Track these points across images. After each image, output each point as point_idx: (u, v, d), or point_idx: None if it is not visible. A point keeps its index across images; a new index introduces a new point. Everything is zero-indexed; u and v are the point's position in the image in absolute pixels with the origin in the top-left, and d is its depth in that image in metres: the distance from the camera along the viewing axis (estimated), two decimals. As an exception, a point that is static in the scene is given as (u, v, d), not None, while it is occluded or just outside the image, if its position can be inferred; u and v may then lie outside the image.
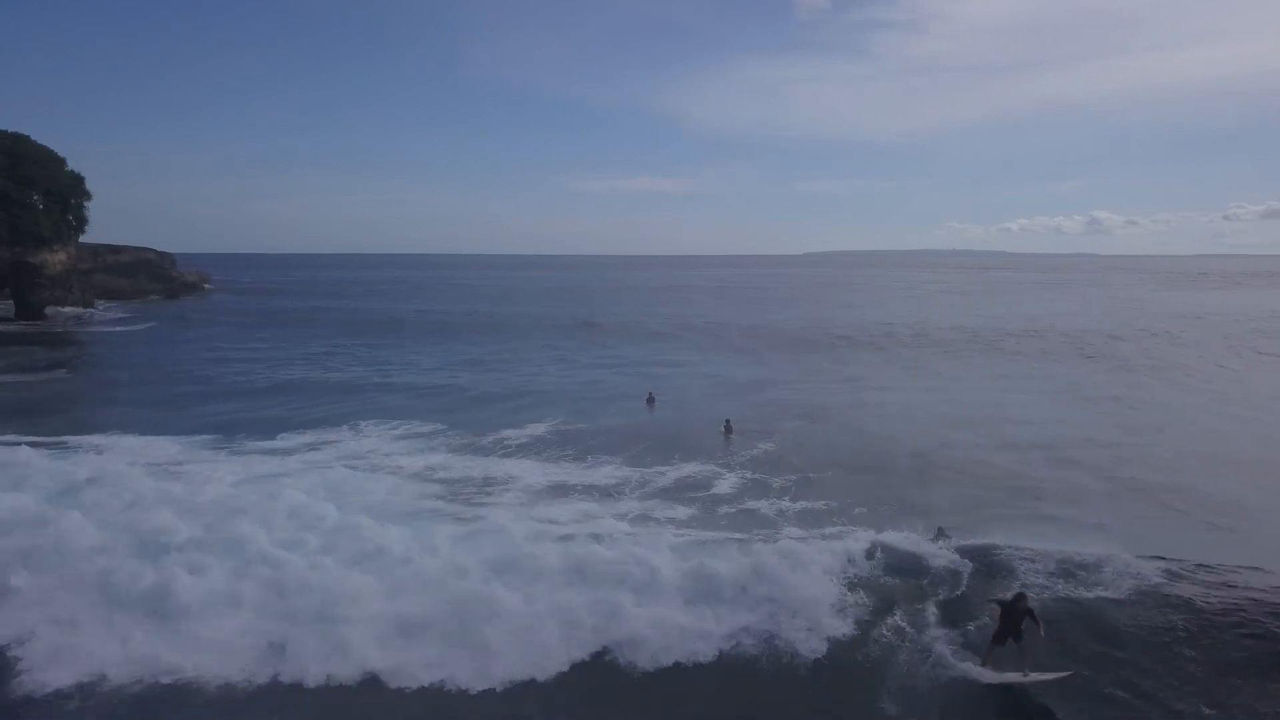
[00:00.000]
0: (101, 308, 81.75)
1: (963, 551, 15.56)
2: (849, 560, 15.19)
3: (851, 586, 14.50)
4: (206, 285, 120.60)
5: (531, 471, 22.90)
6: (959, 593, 14.45)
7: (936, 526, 17.55)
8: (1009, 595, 13.14)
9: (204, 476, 20.88)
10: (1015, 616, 12.57)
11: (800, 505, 19.84)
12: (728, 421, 28.66)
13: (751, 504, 20.04)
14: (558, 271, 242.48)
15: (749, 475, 22.48)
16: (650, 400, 34.73)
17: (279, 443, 26.06)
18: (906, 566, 15.21)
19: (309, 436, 26.85)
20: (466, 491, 20.68)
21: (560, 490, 21.09)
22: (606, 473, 22.82)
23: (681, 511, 19.42)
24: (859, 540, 15.87)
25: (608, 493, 21.01)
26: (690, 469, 23.02)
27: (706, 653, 13.08)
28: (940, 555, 15.46)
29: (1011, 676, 12.46)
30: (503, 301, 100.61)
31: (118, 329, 64.91)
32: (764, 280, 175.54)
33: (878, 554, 15.44)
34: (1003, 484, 22.42)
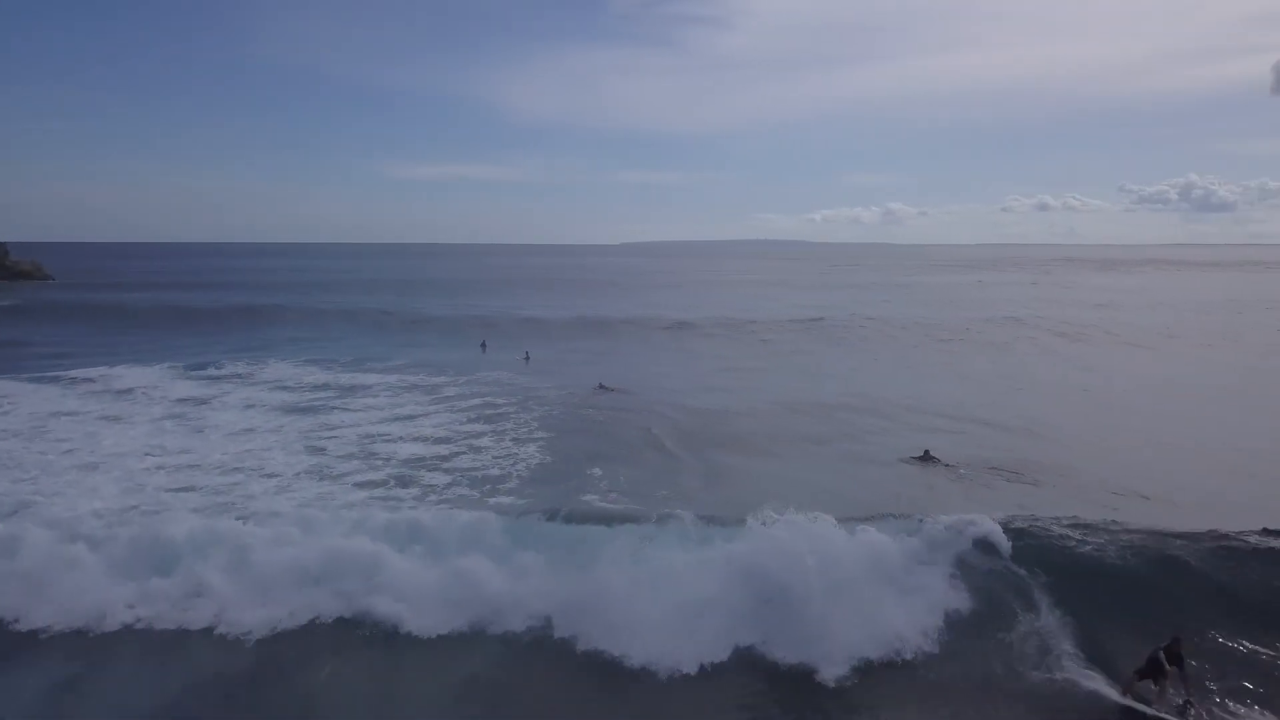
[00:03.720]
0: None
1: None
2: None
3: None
4: (47, 276, 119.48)
5: (389, 380, 37.46)
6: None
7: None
8: (1166, 641, 12.18)
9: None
10: (1167, 659, 12.01)
11: (550, 380, 36.07)
12: (527, 353, 44.74)
13: (522, 383, 36.04)
14: (389, 260, 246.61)
15: (529, 373, 38.79)
16: (483, 346, 50.21)
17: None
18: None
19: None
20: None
21: (415, 387, 35.78)
22: (448, 376, 38.02)
23: (490, 381, 35.39)
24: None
25: (441, 384, 36.00)
26: (496, 374, 38.55)
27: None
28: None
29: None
30: (335, 292, 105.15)
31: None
32: (576, 270, 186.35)
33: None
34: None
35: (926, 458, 23.26)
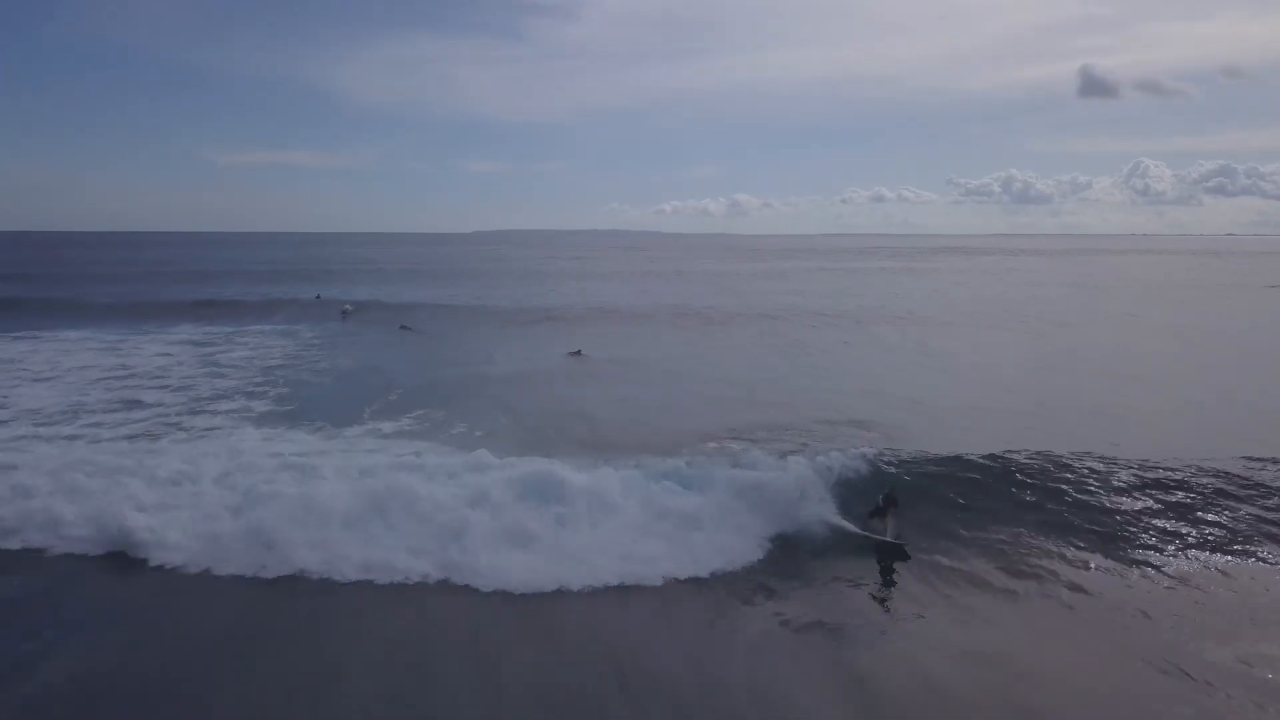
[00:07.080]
0: None
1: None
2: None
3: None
4: None
5: (264, 329, 53.14)
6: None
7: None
8: (886, 490, 17.13)
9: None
10: (887, 504, 16.77)
11: (369, 328, 52.86)
12: (344, 310, 61.07)
13: (351, 329, 52.75)
14: (219, 250, 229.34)
15: (349, 325, 55.42)
16: (318, 297, 66.33)
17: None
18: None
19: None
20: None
21: (280, 334, 51.56)
22: (304, 326, 54.19)
23: (334, 330, 51.94)
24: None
25: (299, 330, 52.12)
26: (339, 325, 55.40)
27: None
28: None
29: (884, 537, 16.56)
30: (165, 282, 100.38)
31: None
32: (426, 258, 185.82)
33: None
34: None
35: (579, 354, 41.51)
